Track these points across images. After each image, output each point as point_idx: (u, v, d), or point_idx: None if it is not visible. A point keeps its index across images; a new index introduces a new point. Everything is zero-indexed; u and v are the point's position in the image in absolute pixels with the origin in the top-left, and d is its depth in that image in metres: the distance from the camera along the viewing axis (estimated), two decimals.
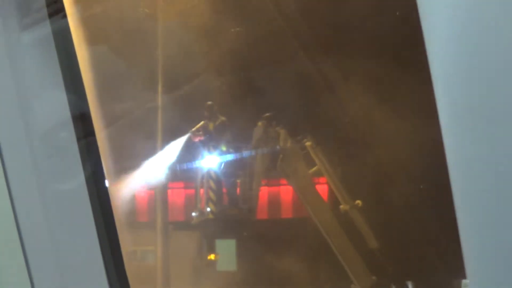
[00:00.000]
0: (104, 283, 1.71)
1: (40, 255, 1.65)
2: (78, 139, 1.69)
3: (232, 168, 11.88)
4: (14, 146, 1.61)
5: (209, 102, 11.77)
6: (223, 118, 11.70)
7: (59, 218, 1.68)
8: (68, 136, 1.68)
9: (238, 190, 11.85)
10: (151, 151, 13.08)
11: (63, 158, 1.70)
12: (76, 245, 1.71)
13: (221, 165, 11.83)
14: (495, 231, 1.19)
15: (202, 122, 11.68)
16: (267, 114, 10.88)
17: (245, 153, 11.42)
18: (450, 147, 1.14)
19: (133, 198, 18.47)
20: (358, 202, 10.48)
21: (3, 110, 1.58)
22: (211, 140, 11.51)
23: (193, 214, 12.33)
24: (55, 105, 1.67)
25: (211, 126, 11.54)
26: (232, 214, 12.07)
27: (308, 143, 10.67)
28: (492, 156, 1.12)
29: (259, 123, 10.97)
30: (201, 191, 12.09)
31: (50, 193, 1.67)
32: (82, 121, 1.70)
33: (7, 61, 1.51)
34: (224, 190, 11.97)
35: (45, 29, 1.70)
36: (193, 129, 11.65)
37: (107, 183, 1.78)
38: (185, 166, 13.19)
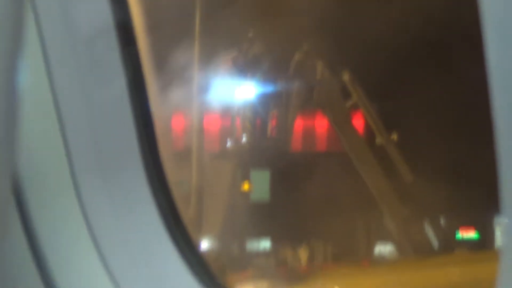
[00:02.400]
0: (146, 190, 1.75)
1: (84, 157, 1.69)
2: (120, 47, 1.71)
3: (269, 99, 11.87)
4: (58, 52, 1.64)
5: (249, 33, 11.71)
6: (261, 48, 11.65)
7: (103, 123, 1.72)
8: (110, 43, 1.70)
9: (274, 121, 11.85)
10: (188, 75, 13.10)
11: (105, 66, 1.72)
12: (118, 152, 1.75)
13: (258, 96, 11.83)
14: None
15: (240, 51, 11.64)
16: (306, 46, 10.81)
17: (282, 84, 11.40)
18: (504, 148, 1.13)
19: (169, 123, 18.60)
20: (394, 135, 10.44)
21: (49, 17, 1.60)
22: (249, 69, 11.48)
23: (229, 143, 12.39)
24: (98, 12, 1.68)
25: (249, 55, 11.51)
26: (267, 145, 12.10)
27: (345, 76, 10.60)
28: None
29: (297, 55, 10.91)
30: (237, 120, 12.12)
31: (93, 99, 1.70)
32: (124, 30, 1.72)
33: None
34: (260, 120, 11.98)
35: None
36: (231, 57, 11.62)
37: (148, 94, 1.80)
38: (222, 95, 13.21)
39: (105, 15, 1.67)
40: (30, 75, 1.23)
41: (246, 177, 18.09)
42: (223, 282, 1.86)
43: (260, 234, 19.27)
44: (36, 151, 1.57)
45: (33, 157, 1.54)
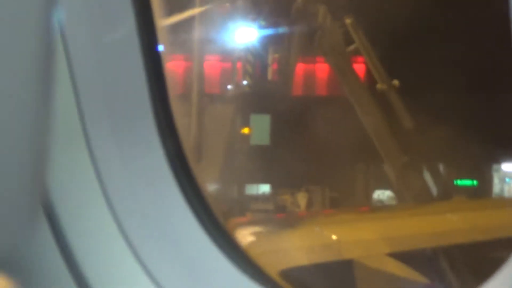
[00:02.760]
0: (154, 134, 1.73)
1: (93, 101, 1.68)
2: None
3: (270, 43, 11.80)
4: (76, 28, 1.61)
5: None
6: None
7: (111, 64, 1.69)
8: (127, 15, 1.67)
9: (275, 65, 11.79)
10: (188, 20, 12.99)
11: (112, 5, 1.69)
12: (127, 94, 1.73)
13: (259, 40, 11.74)
14: None
15: None
16: None
17: (284, 28, 11.30)
18: None
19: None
20: (396, 82, 10.38)
21: None
22: (250, 13, 11.38)
23: (229, 86, 12.35)
24: None
25: None
26: (268, 88, 12.06)
27: (348, 21, 10.49)
28: None
29: None
30: (238, 64, 12.06)
31: (102, 40, 1.67)
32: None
33: None
34: (261, 64, 11.92)
35: None
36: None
37: (157, 36, 1.77)
38: (223, 38, 13.12)
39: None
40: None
41: (246, 120, 18.10)
42: (226, 228, 1.85)
43: (259, 178, 19.36)
44: None
45: None
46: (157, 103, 1.72)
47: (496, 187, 24.26)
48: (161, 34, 1.75)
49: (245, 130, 17.02)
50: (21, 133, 1.15)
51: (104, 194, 1.67)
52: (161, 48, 1.75)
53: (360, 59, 11.21)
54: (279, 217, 12.51)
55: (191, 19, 13.50)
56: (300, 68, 14.70)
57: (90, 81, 1.65)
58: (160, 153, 1.71)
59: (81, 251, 1.66)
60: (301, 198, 17.45)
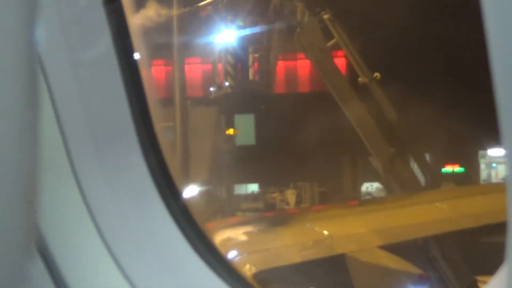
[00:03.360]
0: (137, 149, 1.71)
1: (72, 115, 1.66)
2: (104, 3, 1.66)
3: (250, 43, 11.78)
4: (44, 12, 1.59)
5: None
6: None
7: (90, 84, 1.68)
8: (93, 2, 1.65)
9: (256, 64, 11.77)
10: (167, 24, 12.96)
11: (89, 24, 1.67)
12: (108, 112, 1.71)
13: (238, 40, 11.72)
14: None
15: None
16: None
17: (262, 27, 11.29)
18: (509, 147, 1.09)
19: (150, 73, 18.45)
20: (377, 74, 10.40)
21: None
22: (228, 13, 11.36)
23: (211, 89, 12.32)
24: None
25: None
26: (250, 89, 12.05)
27: (326, 16, 10.50)
28: None
29: None
30: (219, 65, 12.03)
31: (79, 60, 1.66)
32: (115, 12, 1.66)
33: None
34: (242, 65, 11.91)
35: None
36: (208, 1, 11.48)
37: (135, 52, 1.75)
38: (201, 41, 13.09)
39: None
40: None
41: (230, 121, 18.09)
42: (209, 239, 1.83)
43: (246, 177, 19.35)
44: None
45: None
46: (138, 119, 1.71)
47: (484, 173, 24.36)
48: (138, 45, 1.74)
49: (230, 131, 17.03)
50: (11, 173, 1.15)
51: (93, 221, 1.66)
52: (140, 63, 1.73)
53: (340, 53, 11.23)
54: (270, 215, 12.50)
55: (169, 23, 13.47)
56: (281, 66, 14.71)
57: (70, 103, 1.64)
58: (144, 170, 1.70)
59: (75, 282, 1.66)
60: (290, 195, 17.47)
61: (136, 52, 1.72)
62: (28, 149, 1.18)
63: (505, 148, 1.09)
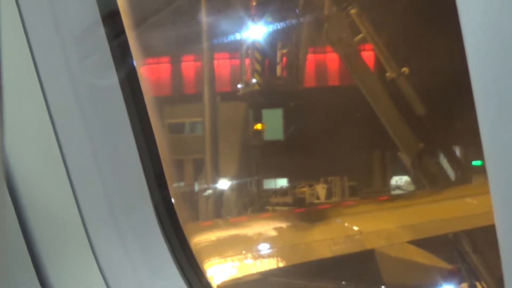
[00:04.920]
0: (142, 178, 1.74)
1: (76, 148, 1.69)
2: (109, 39, 1.69)
3: (277, 38, 11.81)
4: (47, 50, 1.62)
5: None
6: None
7: (95, 115, 1.71)
8: (99, 36, 1.68)
9: (284, 60, 11.81)
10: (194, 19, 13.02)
11: (95, 59, 1.70)
12: (112, 142, 1.74)
13: (266, 36, 11.76)
14: None
15: None
16: None
17: (290, 23, 11.32)
18: (488, 144, 1.12)
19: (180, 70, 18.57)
20: (405, 69, 10.39)
21: (35, 16, 1.58)
22: (256, 9, 11.40)
23: (239, 85, 12.38)
24: (84, 7, 1.66)
25: None
26: (278, 85, 12.09)
27: (353, 11, 10.52)
28: None
29: None
30: (246, 62, 12.08)
31: (84, 92, 1.69)
32: (112, 19, 1.69)
33: None
34: (269, 60, 11.94)
35: None
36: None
37: (140, 78, 1.78)
38: (229, 36, 13.14)
39: (91, 9, 1.65)
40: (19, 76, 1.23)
41: (258, 116, 18.12)
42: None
43: (275, 172, 19.38)
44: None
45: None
46: (144, 156, 1.73)
47: None
48: (146, 86, 1.76)
49: (258, 126, 17.06)
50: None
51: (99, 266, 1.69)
52: (143, 94, 1.75)
53: (368, 46, 11.22)
54: (300, 211, 12.56)
55: (197, 19, 13.53)
56: (310, 59, 14.70)
57: (77, 141, 1.66)
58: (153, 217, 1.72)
59: None
60: (321, 189, 17.48)
61: (141, 85, 1.73)
62: None
63: (483, 145, 1.11)
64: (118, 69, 1.69)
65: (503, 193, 1.11)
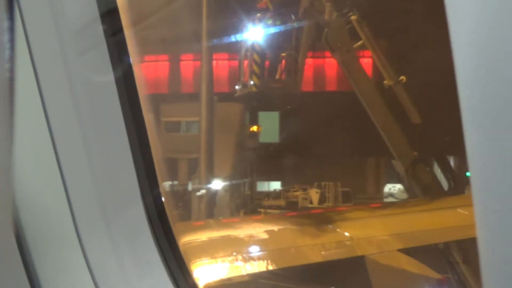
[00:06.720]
0: (134, 180, 1.74)
1: (70, 147, 1.68)
2: (106, 36, 1.69)
3: (277, 41, 11.81)
4: (45, 46, 1.62)
5: None
6: None
7: (89, 113, 1.71)
8: (97, 33, 1.68)
9: (283, 63, 11.81)
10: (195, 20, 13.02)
11: (91, 55, 1.70)
12: (105, 140, 1.74)
13: (266, 38, 11.76)
14: None
15: None
16: None
17: (291, 26, 11.32)
18: (472, 151, 1.11)
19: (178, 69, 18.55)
20: (402, 77, 10.40)
21: (35, 13, 1.58)
22: (256, 12, 11.40)
23: (237, 87, 12.37)
24: (83, 4, 1.65)
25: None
26: (276, 87, 12.07)
27: (353, 17, 10.52)
28: None
29: None
30: (245, 63, 12.07)
31: (80, 90, 1.69)
32: (110, 17, 1.69)
33: None
34: (268, 63, 11.93)
35: None
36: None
37: (136, 77, 1.78)
38: (229, 37, 13.14)
39: (90, 7, 1.65)
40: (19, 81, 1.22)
41: (254, 118, 18.12)
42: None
43: (269, 175, 19.39)
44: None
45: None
46: (139, 160, 1.73)
47: None
48: (142, 87, 1.75)
49: (254, 128, 17.06)
50: None
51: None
52: (139, 96, 1.75)
53: (367, 53, 11.23)
54: (292, 215, 12.55)
55: (198, 20, 13.53)
56: (309, 64, 14.70)
57: (68, 133, 1.66)
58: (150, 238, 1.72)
59: None
60: (314, 194, 17.48)
61: (138, 88, 1.73)
62: None
63: (467, 149, 1.11)
64: (114, 67, 1.69)
65: (485, 202, 1.11)
